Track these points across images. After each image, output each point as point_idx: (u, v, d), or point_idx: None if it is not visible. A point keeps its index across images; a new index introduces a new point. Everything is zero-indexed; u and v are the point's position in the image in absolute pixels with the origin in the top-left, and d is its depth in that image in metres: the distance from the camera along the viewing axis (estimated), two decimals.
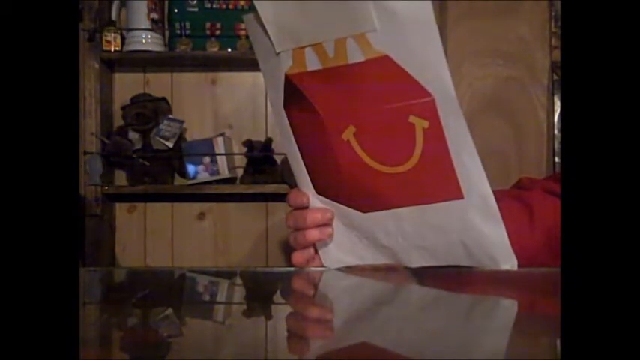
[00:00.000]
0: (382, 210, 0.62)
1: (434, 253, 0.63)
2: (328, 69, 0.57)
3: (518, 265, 0.62)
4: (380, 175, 0.60)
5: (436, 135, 0.56)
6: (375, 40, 0.54)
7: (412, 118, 0.56)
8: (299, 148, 0.65)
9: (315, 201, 0.66)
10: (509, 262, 0.61)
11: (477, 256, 0.62)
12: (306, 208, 0.67)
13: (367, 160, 0.59)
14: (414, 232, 0.62)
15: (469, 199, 0.58)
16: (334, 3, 0.55)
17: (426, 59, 0.54)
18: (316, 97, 0.59)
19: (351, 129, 0.59)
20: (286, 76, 0.61)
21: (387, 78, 0.55)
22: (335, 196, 0.65)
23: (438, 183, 0.58)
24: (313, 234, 0.67)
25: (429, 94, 0.55)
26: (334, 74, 0.57)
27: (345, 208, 0.64)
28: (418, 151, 0.57)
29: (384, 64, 0.55)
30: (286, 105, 0.63)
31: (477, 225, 0.59)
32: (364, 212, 0.63)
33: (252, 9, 0.60)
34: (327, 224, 0.66)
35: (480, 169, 0.57)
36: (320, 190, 0.66)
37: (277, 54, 0.60)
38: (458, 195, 0.58)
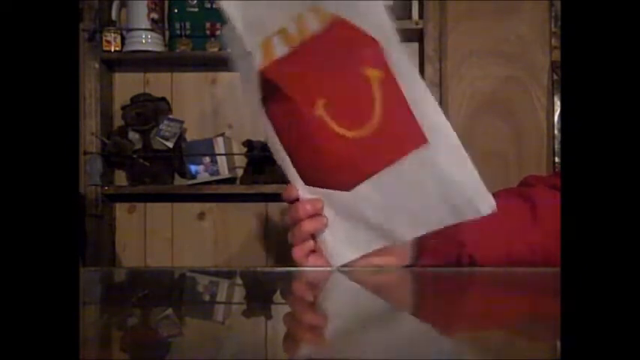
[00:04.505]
0: (362, 181, 0.65)
1: (418, 217, 0.65)
2: (294, 52, 0.65)
3: (523, 260, 0.62)
4: (352, 142, 0.64)
5: (390, 84, 0.62)
6: (326, 5, 0.64)
7: (366, 70, 0.62)
8: (282, 143, 0.69)
9: (305, 192, 0.70)
10: (486, 202, 0.62)
11: (456, 206, 0.63)
12: (298, 200, 0.70)
13: (338, 129, 0.64)
14: (395, 195, 0.64)
15: (433, 141, 0.62)
16: None
17: (365, 9, 0.62)
18: (286, 82, 0.65)
19: (321, 101, 0.64)
20: (260, 73, 0.67)
21: (340, 38, 0.63)
22: (321, 181, 0.68)
23: (402, 133, 0.63)
24: (307, 225, 0.69)
25: (375, 42, 0.62)
26: (299, 55, 0.65)
27: (332, 192, 0.67)
28: (378, 105, 0.62)
29: (336, 26, 0.63)
30: (264, 103, 0.68)
31: (447, 169, 0.62)
32: (349, 190, 0.66)
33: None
34: (319, 214, 0.69)
35: (436, 109, 0.62)
36: (308, 181, 0.69)
37: (249, 53, 0.66)
38: (422, 140, 0.62)
